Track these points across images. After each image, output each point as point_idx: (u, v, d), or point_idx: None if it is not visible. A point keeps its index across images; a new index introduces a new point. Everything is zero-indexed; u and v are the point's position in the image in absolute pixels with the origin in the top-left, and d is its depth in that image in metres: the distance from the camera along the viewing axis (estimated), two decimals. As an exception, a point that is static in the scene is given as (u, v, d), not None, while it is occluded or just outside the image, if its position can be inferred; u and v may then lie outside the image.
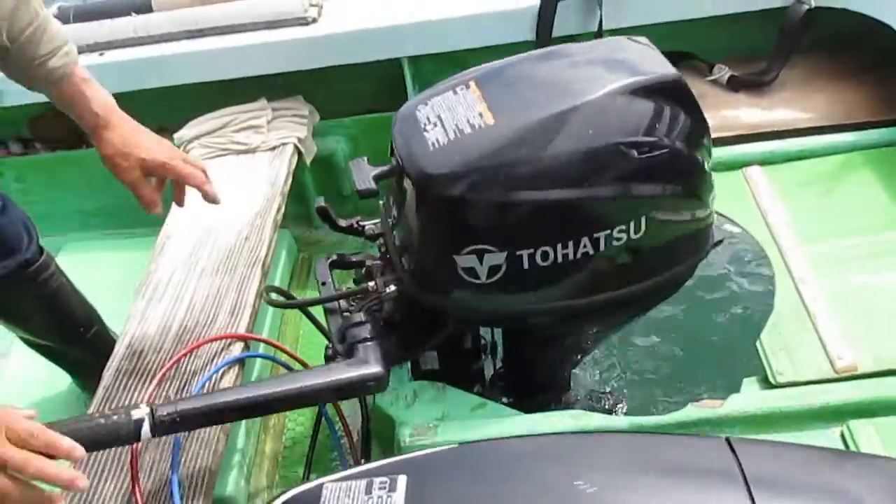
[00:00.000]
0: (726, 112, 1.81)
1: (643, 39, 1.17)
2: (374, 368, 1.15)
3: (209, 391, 1.29)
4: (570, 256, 1.05)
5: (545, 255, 1.05)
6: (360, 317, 1.20)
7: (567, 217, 1.05)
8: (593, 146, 1.03)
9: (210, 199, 1.36)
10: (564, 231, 1.05)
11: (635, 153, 1.03)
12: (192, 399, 1.14)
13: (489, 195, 1.03)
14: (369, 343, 1.18)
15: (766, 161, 1.66)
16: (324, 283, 1.31)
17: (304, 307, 1.39)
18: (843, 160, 1.64)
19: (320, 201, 1.27)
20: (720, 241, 1.20)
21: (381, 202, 1.29)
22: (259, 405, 1.14)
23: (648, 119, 1.04)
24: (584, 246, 1.05)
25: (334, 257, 1.35)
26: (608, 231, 1.05)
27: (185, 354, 1.35)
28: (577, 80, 1.07)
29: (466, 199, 1.03)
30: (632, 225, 1.06)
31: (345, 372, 1.16)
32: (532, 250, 1.04)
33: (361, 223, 1.33)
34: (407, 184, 1.10)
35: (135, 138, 1.27)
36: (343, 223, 1.32)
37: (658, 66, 1.09)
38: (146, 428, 1.06)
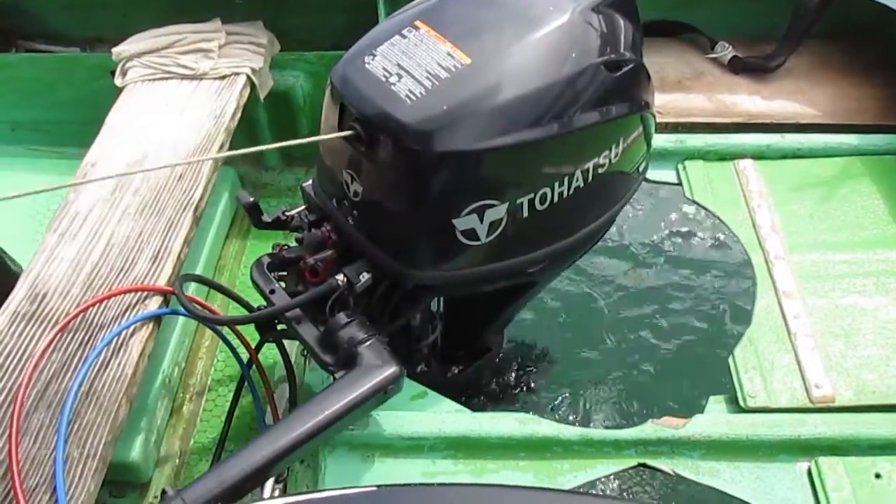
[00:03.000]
0: (723, 96, 1.67)
1: None
2: (390, 369, 1.01)
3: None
4: (565, 194, 1.00)
5: (543, 198, 0.99)
6: (346, 316, 1.04)
7: (562, 151, 0.98)
8: (577, 70, 0.96)
9: None
10: (561, 166, 0.99)
11: (608, 71, 0.98)
12: (209, 477, 0.93)
13: (490, 142, 0.92)
14: (368, 343, 1.02)
15: (760, 155, 1.53)
16: (273, 292, 1.11)
17: (270, 317, 1.12)
18: (842, 164, 1.51)
19: (245, 197, 1.12)
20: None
21: (302, 185, 1.15)
22: (294, 449, 0.97)
23: (615, 34, 1.01)
24: (577, 179, 1.00)
25: (268, 259, 1.15)
26: (596, 158, 1.01)
27: (93, 304, 1.19)
28: (537, 3, 0.99)
29: (467, 151, 0.92)
30: (612, 148, 1.02)
31: (363, 384, 1.00)
32: (532, 195, 0.98)
33: (287, 213, 1.16)
34: (383, 150, 0.95)
35: None
36: (268, 218, 1.15)
37: None
38: None
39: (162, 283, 1.25)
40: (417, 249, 1.01)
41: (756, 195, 1.45)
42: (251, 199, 1.13)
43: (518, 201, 0.96)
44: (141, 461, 1.33)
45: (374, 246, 1.04)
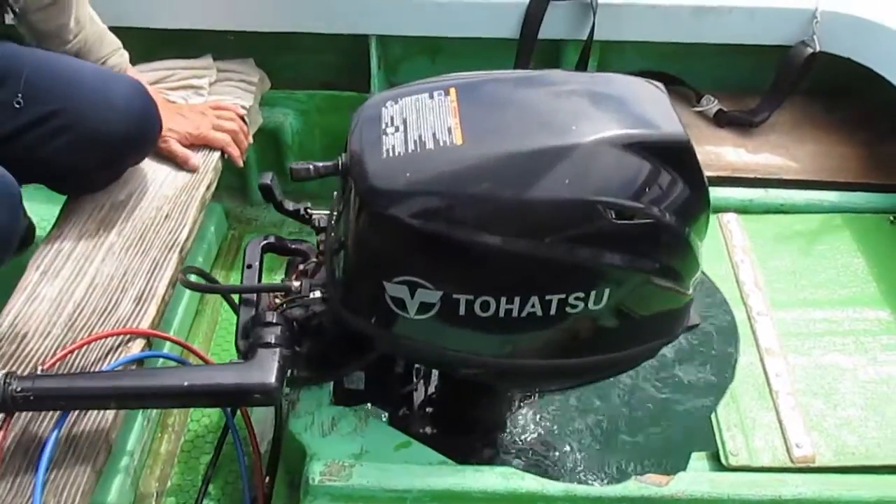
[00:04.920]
0: (708, 149, 1.69)
1: (659, 85, 1.01)
2: (266, 379, 1.00)
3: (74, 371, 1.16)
4: (514, 313, 0.92)
5: (485, 306, 0.92)
6: (272, 317, 1.05)
7: (518, 270, 0.91)
8: (566, 198, 0.88)
9: (234, 161, 1.60)
10: (512, 285, 0.91)
11: (614, 216, 0.88)
12: (55, 378, 1.04)
13: (434, 226, 0.89)
14: (270, 349, 1.02)
15: (743, 209, 1.56)
16: (249, 267, 1.18)
17: (221, 293, 1.28)
18: (823, 220, 1.54)
19: (266, 177, 1.12)
20: (693, 326, 1.07)
21: (335, 193, 1.13)
22: (128, 397, 1.04)
23: (639, 181, 0.89)
24: (532, 306, 0.91)
25: (271, 240, 1.21)
26: (562, 296, 0.91)
27: (74, 349, 1.17)
28: (568, 116, 0.92)
29: (407, 223, 0.89)
30: (592, 295, 0.92)
31: (231, 376, 1.01)
32: (471, 297, 0.91)
33: (310, 211, 1.18)
34: (349, 188, 0.95)
35: (164, 115, 1.44)
36: (290, 206, 1.17)
37: (665, 122, 0.93)
38: None
39: (145, 325, 1.24)
40: (352, 291, 1.00)
41: (739, 250, 1.47)
42: (269, 182, 1.13)
43: (454, 296, 0.91)
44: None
45: (329, 269, 1.05)
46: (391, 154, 0.91)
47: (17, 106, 1.30)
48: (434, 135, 0.92)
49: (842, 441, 1.18)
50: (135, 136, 1.38)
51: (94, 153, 1.34)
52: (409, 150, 0.91)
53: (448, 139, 0.91)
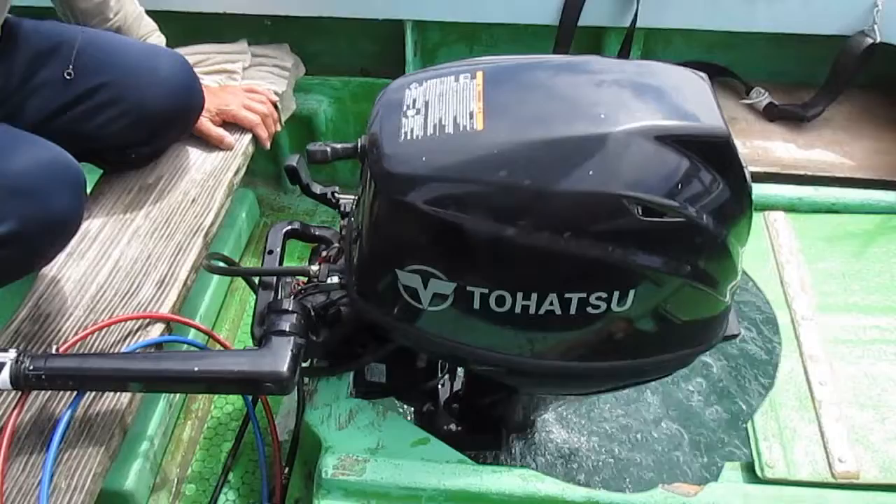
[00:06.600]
0: (757, 144, 1.61)
1: (702, 75, 0.94)
2: (278, 367, 0.97)
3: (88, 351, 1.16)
4: (531, 310, 0.87)
5: (500, 300, 0.87)
6: (289, 304, 1.02)
7: (535, 265, 0.86)
8: (589, 191, 0.82)
9: (261, 143, 1.57)
10: (529, 280, 0.86)
11: (640, 213, 0.81)
12: (67, 358, 1.03)
13: (448, 214, 0.84)
14: (285, 337, 1.00)
15: (792, 208, 1.47)
16: (270, 252, 1.17)
17: (239, 275, 1.27)
18: (877, 221, 1.45)
19: (293, 159, 1.10)
20: (733, 336, 1.00)
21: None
22: (138, 380, 1.02)
23: (672, 176, 0.83)
24: (551, 303, 0.86)
25: (295, 226, 1.20)
26: (583, 294, 0.86)
27: (93, 331, 1.16)
28: (598, 104, 0.86)
29: (420, 209, 0.85)
30: (615, 295, 0.86)
31: (243, 363, 0.99)
32: (486, 290, 0.87)
33: (338, 195, 1.16)
34: (366, 169, 0.92)
35: None
36: (317, 189, 1.15)
37: (705, 115, 0.86)
38: (4, 376, 0.96)
39: (166, 309, 1.23)
40: (367, 279, 0.97)
41: (786, 250, 1.39)
42: (295, 164, 1.10)
43: (468, 289, 0.87)
44: (135, 489, 1.30)
45: (348, 255, 1.02)
46: (409, 137, 0.87)
47: (68, 78, 1.31)
48: (455, 119, 0.87)
49: (889, 457, 1.10)
50: (179, 109, 1.39)
51: (139, 125, 1.35)
52: (428, 134, 0.87)
53: (469, 124, 0.86)
